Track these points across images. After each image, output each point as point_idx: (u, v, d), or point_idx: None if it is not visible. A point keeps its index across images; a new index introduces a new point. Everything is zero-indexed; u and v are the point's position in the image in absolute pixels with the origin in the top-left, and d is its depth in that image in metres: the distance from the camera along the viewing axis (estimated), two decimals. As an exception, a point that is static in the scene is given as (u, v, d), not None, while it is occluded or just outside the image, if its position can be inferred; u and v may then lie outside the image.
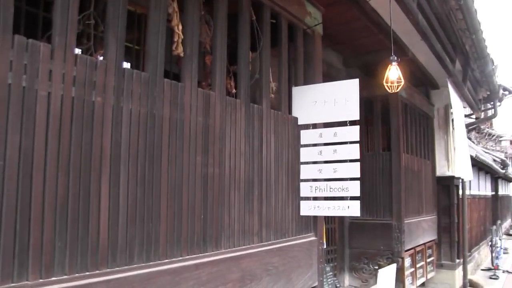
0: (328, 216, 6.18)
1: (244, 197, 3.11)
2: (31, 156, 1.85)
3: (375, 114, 7.08)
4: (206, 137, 2.82)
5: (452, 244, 8.63)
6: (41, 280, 1.84)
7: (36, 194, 1.84)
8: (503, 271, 11.57)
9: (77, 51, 2.99)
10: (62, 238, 1.93)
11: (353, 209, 3.47)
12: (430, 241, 8.12)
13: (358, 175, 3.44)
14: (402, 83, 4.63)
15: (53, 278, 1.88)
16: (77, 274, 1.98)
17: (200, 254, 2.68)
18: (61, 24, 2.01)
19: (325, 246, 6.06)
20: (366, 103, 7.02)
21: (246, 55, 3.36)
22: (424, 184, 7.92)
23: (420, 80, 8.21)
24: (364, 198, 6.71)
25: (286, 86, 3.81)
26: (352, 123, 3.58)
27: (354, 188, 3.47)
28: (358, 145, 3.45)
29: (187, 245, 2.60)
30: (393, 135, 6.78)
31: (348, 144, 3.51)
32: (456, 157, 7.89)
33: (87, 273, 2.02)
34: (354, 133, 3.50)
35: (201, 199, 2.73)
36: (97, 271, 2.07)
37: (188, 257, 2.59)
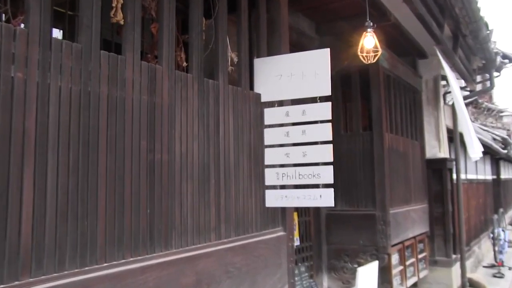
0: (300, 208, 6.23)
1: (198, 187, 3.12)
2: None
3: (354, 89, 7.12)
4: (152, 119, 2.82)
5: (447, 237, 8.76)
6: None
7: None
8: (509, 268, 11.53)
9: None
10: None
11: (326, 198, 3.51)
12: (421, 234, 8.24)
13: (331, 159, 3.47)
14: (379, 53, 4.68)
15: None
16: (-11, 288, 1.94)
17: (147, 256, 2.69)
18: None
19: (298, 243, 6.12)
20: (343, 76, 7.06)
21: (199, 22, 3.35)
22: (412, 168, 8.03)
23: (406, 49, 8.26)
24: (342, 186, 6.78)
25: (246, 58, 3.82)
26: (324, 99, 3.60)
27: (327, 174, 3.50)
28: (330, 124, 3.48)
29: (131, 245, 2.60)
30: (374, 112, 6.82)
31: (318, 124, 3.54)
32: (469, 135, 7.96)
33: (2, 286, 1.97)
34: (325, 110, 3.52)
35: (147, 190, 2.73)
36: (16, 282, 2.02)
37: (132, 259, 2.59)
